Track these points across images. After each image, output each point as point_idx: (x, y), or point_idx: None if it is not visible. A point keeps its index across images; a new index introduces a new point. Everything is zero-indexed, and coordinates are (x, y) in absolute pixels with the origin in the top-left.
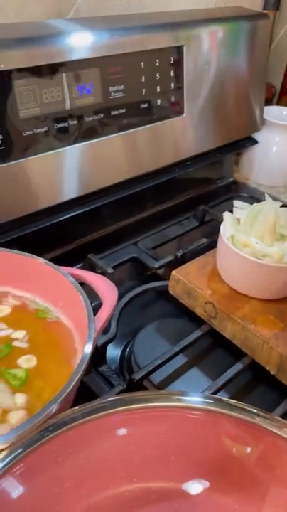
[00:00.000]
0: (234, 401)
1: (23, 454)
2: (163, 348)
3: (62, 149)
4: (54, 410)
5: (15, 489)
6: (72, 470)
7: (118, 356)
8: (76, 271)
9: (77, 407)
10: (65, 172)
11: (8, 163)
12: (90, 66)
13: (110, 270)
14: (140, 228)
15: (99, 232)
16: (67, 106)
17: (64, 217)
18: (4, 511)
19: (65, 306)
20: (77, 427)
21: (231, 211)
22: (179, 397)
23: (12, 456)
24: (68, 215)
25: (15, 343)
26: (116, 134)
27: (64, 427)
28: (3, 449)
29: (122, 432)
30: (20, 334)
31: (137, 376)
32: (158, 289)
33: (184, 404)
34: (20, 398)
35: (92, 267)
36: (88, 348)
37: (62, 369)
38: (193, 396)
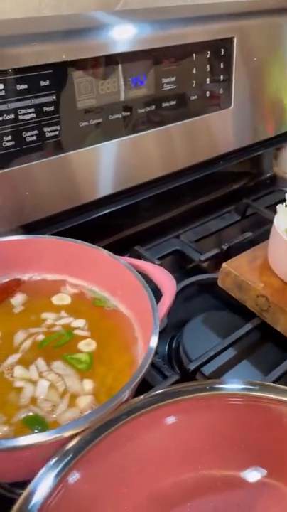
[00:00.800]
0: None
1: (101, 437)
2: (211, 340)
3: (114, 141)
4: (126, 396)
5: (89, 470)
6: (137, 455)
7: (166, 347)
8: (134, 261)
9: (141, 396)
10: (116, 164)
11: (65, 154)
12: (145, 58)
13: (157, 262)
14: (182, 221)
15: (141, 224)
16: (122, 97)
17: (111, 210)
18: (78, 492)
19: (123, 295)
20: (145, 413)
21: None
22: (238, 386)
23: (90, 436)
24: (115, 208)
25: (76, 332)
26: (165, 126)
27: (137, 413)
28: (83, 430)
29: (176, 420)
30: (80, 323)
31: (191, 367)
32: (205, 281)
33: (244, 393)
34: (88, 384)
35: (138, 259)
36: (155, 339)
37: (122, 356)
38: (248, 384)
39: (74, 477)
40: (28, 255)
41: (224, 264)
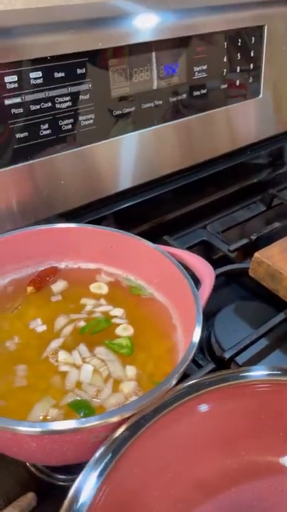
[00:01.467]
0: None
1: (148, 424)
2: (242, 330)
3: (146, 130)
4: (173, 383)
5: (137, 457)
6: (182, 441)
7: None
8: (170, 249)
9: (183, 383)
10: (147, 153)
11: (98, 143)
12: (177, 46)
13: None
14: (208, 212)
15: (167, 215)
16: (154, 85)
17: (139, 200)
18: (126, 480)
19: (160, 283)
20: (188, 401)
21: None
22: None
23: (137, 423)
24: (144, 198)
25: (114, 320)
26: (195, 116)
27: (181, 400)
28: (130, 416)
29: (214, 406)
30: (118, 312)
31: (227, 355)
32: (235, 271)
33: (272, 379)
34: (131, 370)
35: None
36: (199, 329)
37: (161, 343)
38: (275, 369)
39: (122, 466)
40: (65, 243)
41: (256, 254)
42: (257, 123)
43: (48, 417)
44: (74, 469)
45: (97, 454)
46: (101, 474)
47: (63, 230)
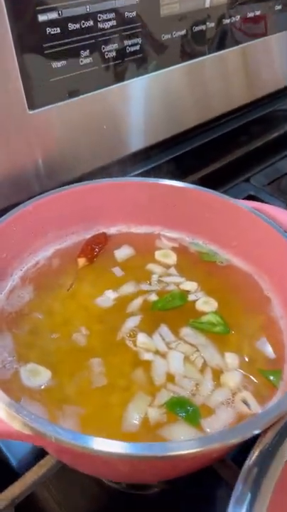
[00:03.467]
0: None
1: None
2: None
3: (198, 60)
4: None
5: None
6: None
7: None
8: (257, 204)
9: None
10: (196, 90)
11: (146, 77)
12: None
13: None
14: (249, 163)
15: (206, 168)
16: (207, 3)
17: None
18: None
19: (240, 246)
20: None
21: None
22: None
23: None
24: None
25: (190, 297)
26: (252, 42)
27: None
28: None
29: None
30: (191, 285)
31: None
32: None
33: None
34: (232, 357)
35: None
36: None
37: (250, 319)
38: None
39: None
40: (115, 203)
41: None
42: None
43: (149, 420)
44: None
45: (235, 496)
46: None
47: (112, 187)
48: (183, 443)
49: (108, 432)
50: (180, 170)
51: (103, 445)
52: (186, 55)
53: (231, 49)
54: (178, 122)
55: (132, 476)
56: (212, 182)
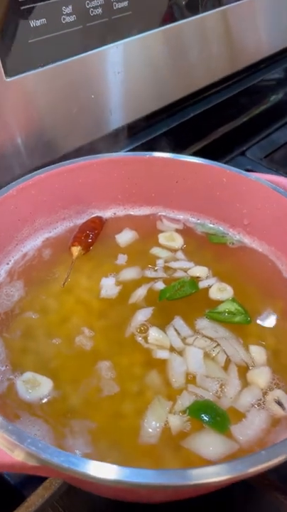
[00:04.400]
0: None
1: None
2: None
3: (189, 20)
4: None
5: None
6: None
7: None
8: (271, 177)
9: None
10: (190, 56)
11: (136, 38)
12: None
13: None
14: (242, 136)
15: (199, 142)
16: None
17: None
18: None
19: (253, 224)
20: None
21: None
22: None
23: None
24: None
25: (202, 284)
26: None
27: None
28: None
29: None
30: (201, 271)
31: None
32: None
33: None
34: (258, 352)
35: None
36: None
37: (274, 306)
38: None
39: None
40: (110, 183)
41: None
42: None
43: (171, 429)
44: None
45: None
46: None
47: (106, 163)
48: (226, 466)
49: (124, 447)
50: (171, 145)
51: (127, 474)
52: (177, 13)
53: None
54: (170, 91)
55: (155, 498)
56: (207, 156)
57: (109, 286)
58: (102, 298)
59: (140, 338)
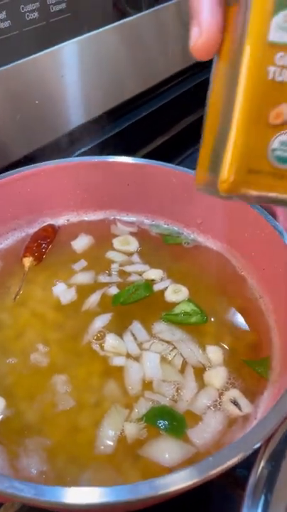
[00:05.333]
0: None
1: None
2: None
3: (132, 18)
4: None
5: None
6: None
7: None
8: None
9: None
10: (133, 53)
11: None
12: None
13: None
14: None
15: (156, 140)
16: None
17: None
18: None
19: (206, 223)
20: None
21: None
22: None
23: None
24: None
25: (157, 286)
26: None
27: None
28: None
29: None
30: (156, 274)
31: None
32: None
33: None
34: (214, 351)
35: None
36: None
37: (231, 303)
38: None
39: None
40: (61, 189)
41: None
42: None
43: (127, 437)
44: None
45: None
46: None
47: (55, 170)
48: (169, 478)
49: (82, 460)
50: (126, 145)
51: (75, 497)
52: (119, 12)
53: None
54: (119, 92)
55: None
56: (162, 155)
57: (62, 293)
58: (57, 307)
59: (96, 346)
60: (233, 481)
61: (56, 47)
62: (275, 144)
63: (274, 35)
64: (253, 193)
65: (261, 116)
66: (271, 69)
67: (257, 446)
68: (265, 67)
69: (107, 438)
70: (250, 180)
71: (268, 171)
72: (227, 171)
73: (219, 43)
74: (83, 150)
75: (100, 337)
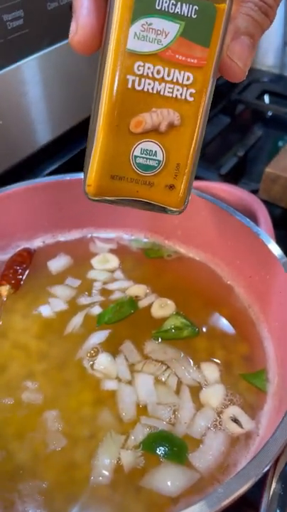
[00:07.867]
0: None
1: None
2: None
3: None
4: None
5: None
6: None
7: None
8: (200, 183)
9: None
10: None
11: (34, 56)
12: None
13: None
14: None
15: None
16: None
17: None
18: None
19: (186, 234)
20: None
21: None
22: None
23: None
24: None
25: (142, 303)
26: None
27: None
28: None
29: None
30: (139, 289)
31: None
32: None
33: None
34: (209, 369)
35: None
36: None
37: (210, 314)
38: None
39: None
40: (28, 212)
41: (268, 169)
42: None
43: (124, 466)
44: None
45: None
46: None
47: (25, 192)
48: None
49: (80, 498)
50: None
51: None
52: None
53: None
54: (86, 105)
55: None
56: None
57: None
58: (44, 334)
59: (88, 363)
60: (244, 502)
61: (16, 64)
62: (136, 151)
63: (132, 44)
64: (119, 197)
65: (122, 124)
66: (130, 78)
67: (267, 469)
68: (124, 75)
69: (103, 467)
70: (115, 185)
71: (131, 177)
72: (91, 176)
73: (98, 43)
74: (53, 168)
75: (94, 354)
